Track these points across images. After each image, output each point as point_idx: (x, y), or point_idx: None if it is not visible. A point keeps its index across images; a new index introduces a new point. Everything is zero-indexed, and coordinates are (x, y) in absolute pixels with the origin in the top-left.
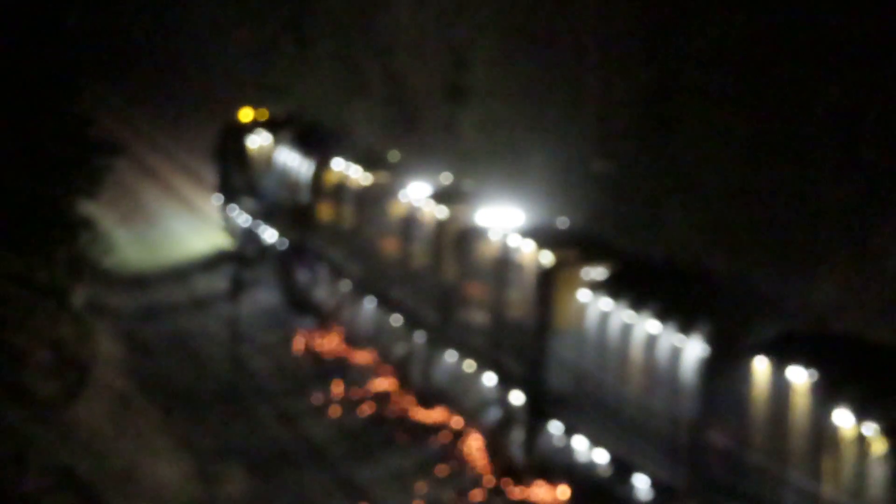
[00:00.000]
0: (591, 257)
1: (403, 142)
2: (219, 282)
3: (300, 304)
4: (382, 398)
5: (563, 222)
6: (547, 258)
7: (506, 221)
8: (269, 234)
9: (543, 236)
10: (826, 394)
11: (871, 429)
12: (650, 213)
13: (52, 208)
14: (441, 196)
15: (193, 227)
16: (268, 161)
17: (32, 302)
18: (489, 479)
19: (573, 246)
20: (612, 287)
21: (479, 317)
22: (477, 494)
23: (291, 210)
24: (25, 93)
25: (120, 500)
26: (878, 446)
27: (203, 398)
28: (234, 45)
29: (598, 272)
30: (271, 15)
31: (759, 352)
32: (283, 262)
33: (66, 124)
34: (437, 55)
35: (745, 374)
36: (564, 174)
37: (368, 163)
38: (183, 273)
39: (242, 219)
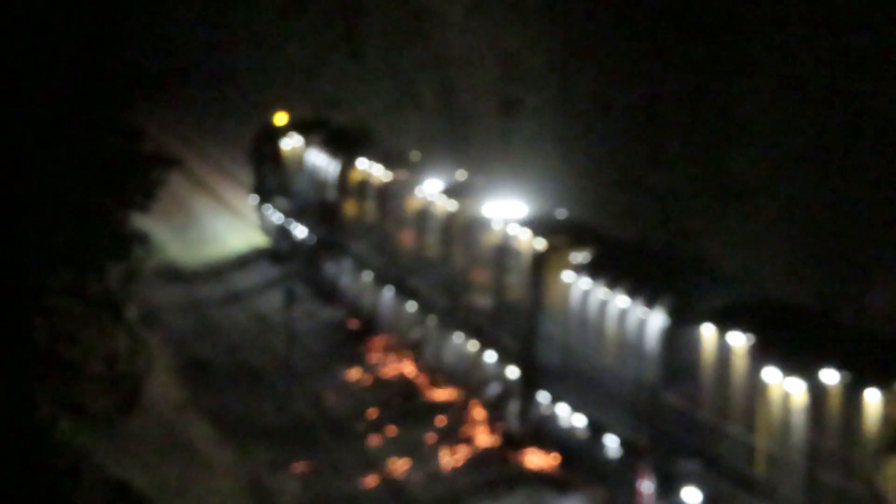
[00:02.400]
0: (578, 243)
1: (456, 152)
2: (254, 278)
3: (327, 295)
4: (400, 378)
5: (560, 213)
6: (540, 244)
7: (509, 212)
8: (300, 231)
9: (539, 225)
10: (758, 354)
11: (794, 384)
12: (703, 223)
13: (106, 222)
14: (452, 191)
15: (237, 228)
16: (299, 162)
17: (86, 316)
18: (491, 449)
19: (564, 233)
20: (592, 268)
21: (482, 300)
22: (480, 463)
23: (320, 207)
24: (79, 106)
25: None
26: (801, 399)
27: (256, 408)
28: (287, 57)
29: (582, 256)
30: (325, 28)
31: (706, 320)
32: (312, 256)
33: (119, 138)
34: (490, 67)
35: (695, 341)
36: (617, 184)
37: (389, 161)
38: (228, 273)
39: (276, 217)
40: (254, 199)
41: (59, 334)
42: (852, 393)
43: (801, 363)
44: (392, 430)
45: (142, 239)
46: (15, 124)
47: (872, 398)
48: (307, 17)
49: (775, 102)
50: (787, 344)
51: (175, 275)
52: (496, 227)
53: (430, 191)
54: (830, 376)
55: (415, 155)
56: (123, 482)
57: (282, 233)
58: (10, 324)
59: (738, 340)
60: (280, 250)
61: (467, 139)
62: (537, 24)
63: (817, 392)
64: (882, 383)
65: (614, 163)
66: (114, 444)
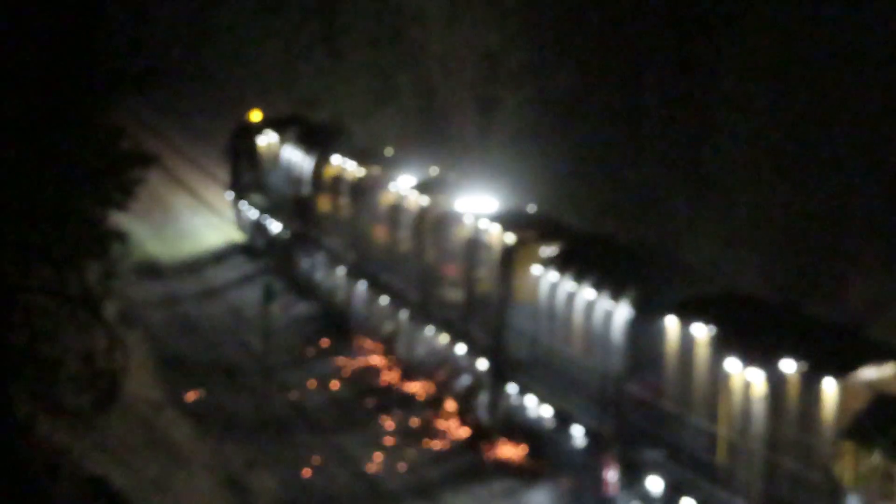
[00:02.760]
0: (547, 237)
1: (435, 149)
2: (230, 273)
3: (302, 289)
4: (373, 372)
5: (531, 208)
6: (510, 238)
7: (479, 207)
8: (275, 226)
9: (509, 219)
10: (719, 345)
11: (754, 374)
12: (679, 218)
13: (85, 220)
14: (423, 186)
15: (214, 224)
16: (275, 158)
17: (64, 313)
18: (462, 440)
19: (533, 227)
20: (560, 262)
21: (453, 294)
22: (452, 455)
23: (294, 203)
24: (58, 105)
25: None
26: (760, 389)
27: (233, 404)
28: (265, 55)
29: (550, 249)
30: (303, 26)
31: (669, 312)
32: (287, 251)
33: (98, 136)
34: (469, 66)
35: (659, 332)
36: (595, 180)
37: (363, 157)
38: (204, 269)
39: (251, 213)
40: (230, 195)
41: (36, 332)
42: (810, 382)
43: (760, 353)
44: (366, 424)
45: (120, 237)
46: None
47: (829, 387)
48: (285, 15)
49: (750, 99)
50: (748, 335)
51: (153, 271)
52: (467, 221)
53: (403, 186)
54: (789, 366)
55: (388, 151)
56: (102, 479)
57: (257, 228)
58: None
59: (701, 332)
60: (255, 245)
61: (446, 137)
62: (516, 22)
63: (776, 381)
64: (839, 373)
65: (592, 159)
66: (92, 442)
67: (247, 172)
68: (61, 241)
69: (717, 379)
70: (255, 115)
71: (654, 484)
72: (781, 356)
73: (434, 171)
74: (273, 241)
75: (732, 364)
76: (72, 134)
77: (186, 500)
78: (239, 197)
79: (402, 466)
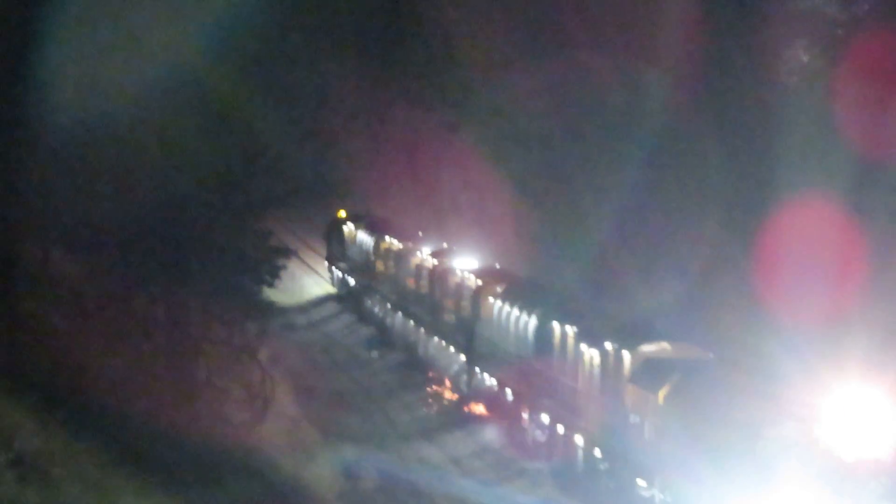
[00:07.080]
0: (499, 281)
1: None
2: (325, 312)
3: (367, 319)
4: (406, 366)
5: (494, 264)
6: (479, 282)
7: (465, 265)
8: (353, 281)
9: (479, 271)
10: (578, 337)
11: (593, 352)
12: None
13: (247, 294)
14: (434, 253)
15: (317, 282)
16: (353, 239)
17: (232, 357)
18: (453, 402)
19: (492, 276)
20: (503, 295)
21: (448, 317)
22: (447, 410)
23: (363, 266)
24: (230, 218)
25: (293, 491)
26: (596, 359)
27: (349, 422)
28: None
29: (500, 288)
30: (390, 168)
31: (555, 320)
32: (358, 295)
33: (255, 237)
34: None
35: (551, 330)
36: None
37: (402, 237)
38: (311, 309)
39: (339, 273)
40: (327, 263)
41: (213, 369)
42: (617, 354)
43: (596, 340)
44: (400, 395)
45: (269, 306)
46: (191, 233)
47: (626, 356)
48: (375, 153)
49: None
50: (590, 330)
51: (282, 312)
52: (457, 273)
53: (424, 253)
54: (608, 346)
55: (418, 232)
56: (261, 471)
57: (342, 282)
58: (181, 363)
59: (570, 330)
60: (341, 294)
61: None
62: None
63: (603, 355)
64: (630, 348)
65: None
66: (246, 447)
67: (336, 248)
68: (230, 309)
69: (577, 355)
70: (341, 213)
71: (546, 418)
72: (605, 340)
73: (441, 244)
74: (351, 290)
75: (584, 347)
76: (239, 236)
77: (314, 485)
78: (331, 264)
79: (418, 416)
